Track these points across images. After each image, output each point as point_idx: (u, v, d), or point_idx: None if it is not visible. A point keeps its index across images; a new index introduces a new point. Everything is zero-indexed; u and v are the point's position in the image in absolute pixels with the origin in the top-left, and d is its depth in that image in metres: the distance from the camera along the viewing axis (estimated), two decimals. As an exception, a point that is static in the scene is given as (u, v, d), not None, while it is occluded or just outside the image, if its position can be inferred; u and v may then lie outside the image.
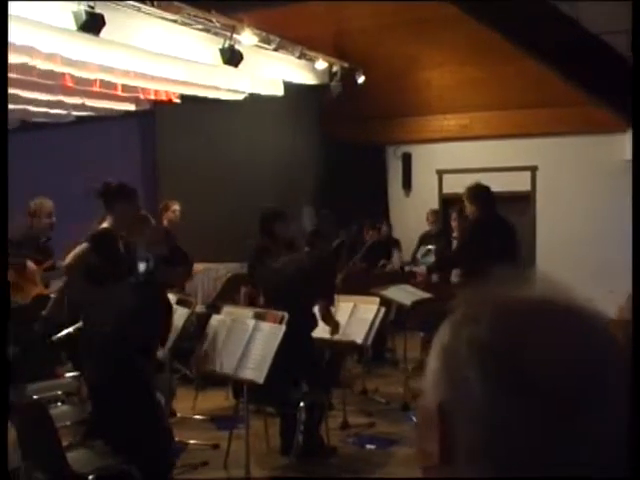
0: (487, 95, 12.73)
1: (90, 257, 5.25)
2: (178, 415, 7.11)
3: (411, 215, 13.28)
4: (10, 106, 11.23)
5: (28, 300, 6.49)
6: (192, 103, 10.77)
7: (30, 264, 6.84)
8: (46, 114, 11.82)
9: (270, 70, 10.03)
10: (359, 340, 6.30)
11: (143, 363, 4.83)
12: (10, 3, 7.13)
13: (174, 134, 11.47)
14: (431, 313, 7.43)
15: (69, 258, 5.75)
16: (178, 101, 10.86)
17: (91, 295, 5.02)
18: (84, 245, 5.48)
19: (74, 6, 7.68)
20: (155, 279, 4.98)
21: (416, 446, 0.97)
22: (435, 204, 13.36)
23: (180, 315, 5.80)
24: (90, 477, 4.52)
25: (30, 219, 7.43)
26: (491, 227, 7.44)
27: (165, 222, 8.74)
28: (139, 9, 8.33)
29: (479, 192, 7.58)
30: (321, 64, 10.96)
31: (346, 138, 13.50)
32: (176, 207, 8.85)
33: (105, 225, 5.55)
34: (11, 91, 10.31)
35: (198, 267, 10.29)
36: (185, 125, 11.31)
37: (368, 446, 6.57)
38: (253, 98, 10.65)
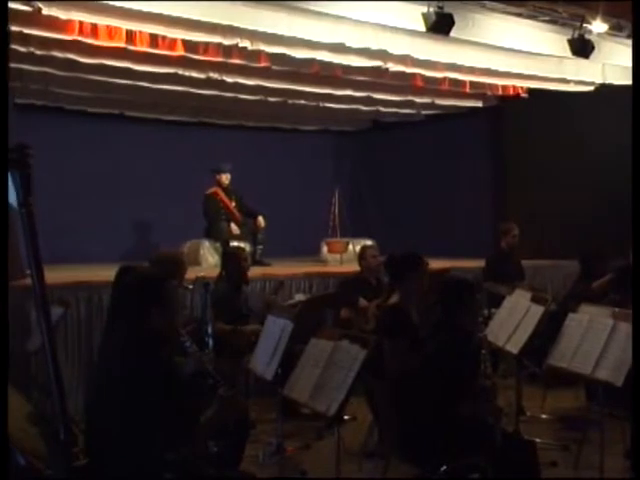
0: None
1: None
2: (527, 414, 7.05)
3: None
4: (363, 107, 11.80)
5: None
6: (539, 97, 10.59)
7: (362, 301, 7.28)
8: (396, 114, 12.27)
9: (622, 58, 9.54)
10: None
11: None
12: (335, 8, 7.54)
13: (521, 129, 11.34)
14: None
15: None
16: (525, 95, 10.75)
17: None
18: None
19: (423, 8, 7.89)
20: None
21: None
22: None
23: (534, 312, 5.73)
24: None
25: (362, 262, 7.84)
26: None
27: (504, 244, 8.95)
28: (484, 5, 8.36)
29: None
30: (684, 47, 10.22)
31: None
32: (516, 232, 8.94)
33: (394, 300, 5.63)
34: (363, 93, 10.80)
35: (545, 263, 10.18)
36: (533, 119, 11.13)
37: None
38: (603, 88, 10.24)
